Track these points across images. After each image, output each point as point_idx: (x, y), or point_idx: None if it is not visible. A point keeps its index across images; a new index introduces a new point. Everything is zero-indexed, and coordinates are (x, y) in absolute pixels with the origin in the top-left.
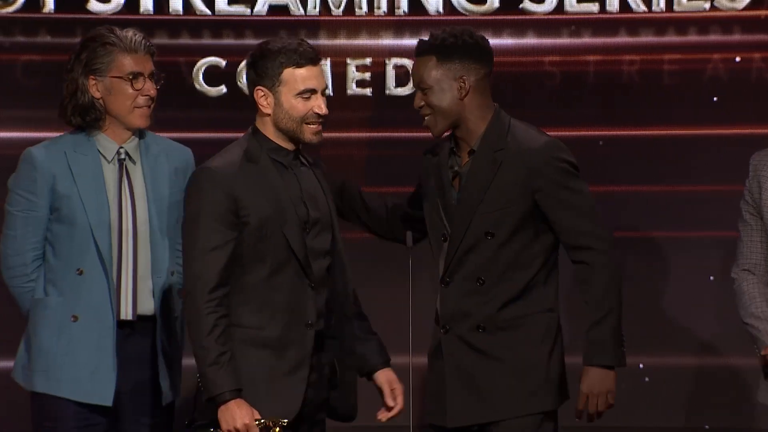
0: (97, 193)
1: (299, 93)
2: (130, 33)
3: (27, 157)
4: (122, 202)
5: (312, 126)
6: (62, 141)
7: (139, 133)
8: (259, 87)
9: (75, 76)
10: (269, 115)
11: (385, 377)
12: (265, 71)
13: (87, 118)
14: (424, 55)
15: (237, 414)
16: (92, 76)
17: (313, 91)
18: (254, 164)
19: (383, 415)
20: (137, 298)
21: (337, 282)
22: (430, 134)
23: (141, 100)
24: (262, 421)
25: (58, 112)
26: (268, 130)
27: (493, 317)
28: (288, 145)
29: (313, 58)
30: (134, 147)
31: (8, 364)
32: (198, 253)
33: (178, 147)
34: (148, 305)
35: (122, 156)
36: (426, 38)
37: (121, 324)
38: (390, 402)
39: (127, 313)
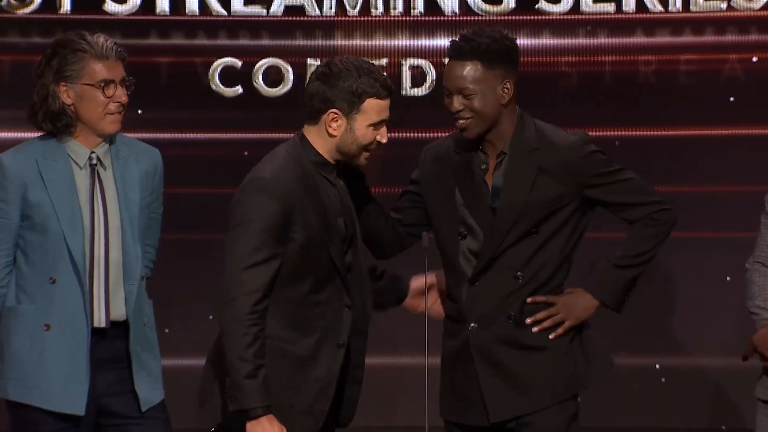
0: (70, 200)
1: (373, 123)
2: (101, 39)
3: None
4: (94, 209)
5: (368, 152)
6: (32, 147)
7: (109, 137)
8: (333, 110)
9: (46, 82)
10: (334, 137)
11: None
12: (343, 94)
13: (58, 124)
14: (467, 59)
15: (269, 430)
16: (63, 83)
17: (383, 122)
18: (308, 178)
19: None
20: (110, 305)
21: (355, 298)
22: (441, 135)
23: (112, 106)
24: None
25: (27, 116)
26: (320, 145)
27: (521, 307)
28: (332, 160)
29: (391, 89)
30: (105, 151)
31: None
32: (245, 264)
33: (146, 148)
34: (120, 311)
35: (94, 161)
36: (464, 40)
37: (93, 331)
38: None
39: (100, 320)
